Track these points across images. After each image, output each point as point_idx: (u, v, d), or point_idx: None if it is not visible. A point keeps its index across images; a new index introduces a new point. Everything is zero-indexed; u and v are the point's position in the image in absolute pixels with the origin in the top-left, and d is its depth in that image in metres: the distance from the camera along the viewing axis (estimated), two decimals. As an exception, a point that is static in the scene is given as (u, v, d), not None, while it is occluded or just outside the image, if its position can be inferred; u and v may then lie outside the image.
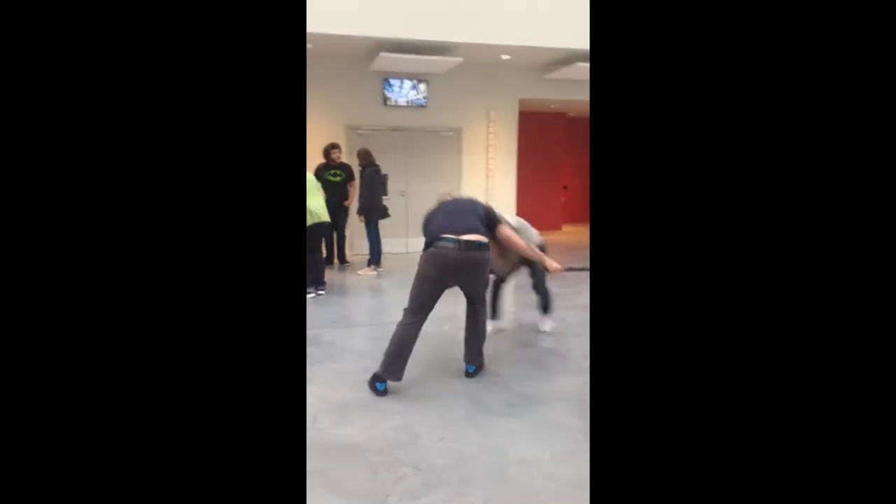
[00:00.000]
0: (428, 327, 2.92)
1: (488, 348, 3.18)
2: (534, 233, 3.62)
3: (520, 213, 8.04)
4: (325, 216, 4.71)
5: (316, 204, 4.64)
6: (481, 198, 3.34)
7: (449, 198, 3.15)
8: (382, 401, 2.70)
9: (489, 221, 2.95)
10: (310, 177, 4.74)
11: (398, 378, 2.77)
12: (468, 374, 3.04)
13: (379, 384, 2.76)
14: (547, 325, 3.85)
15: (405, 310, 2.82)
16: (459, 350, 3.11)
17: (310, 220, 4.56)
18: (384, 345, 2.83)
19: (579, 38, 5.99)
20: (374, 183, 5.72)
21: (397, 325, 2.79)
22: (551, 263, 3.28)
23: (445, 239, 2.72)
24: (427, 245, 2.80)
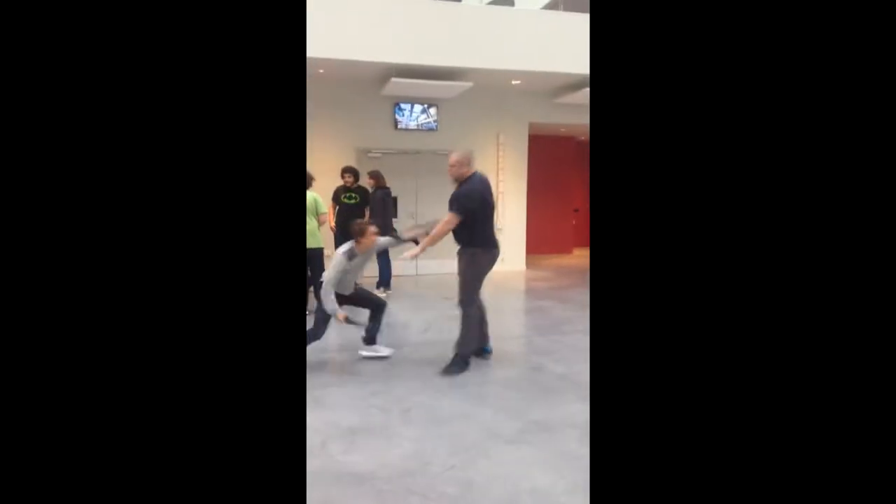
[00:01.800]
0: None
1: (498, 374, 3.15)
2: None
3: (530, 235, 8.08)
4: (315, 241, 4.72)
5: (308, 227, 4.60)
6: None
7: (472, 170, 3.39)
8: (392, 427, 2.66)
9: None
10: (308, 197, 4.69)
11: (487, 343, 3.57)
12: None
13: (484, 349, 3.48)
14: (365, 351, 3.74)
15: (462, 301, 3.31)
16: (468, 374, 3.07)
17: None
18: (394, 368, 2.80)
19: (588, 63, 6.05)
20: (385, 205, 5.74)
21: (469, 312, 3.35)
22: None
23: (496, 244, 3.45)
24: (483, 244, 3.34)
